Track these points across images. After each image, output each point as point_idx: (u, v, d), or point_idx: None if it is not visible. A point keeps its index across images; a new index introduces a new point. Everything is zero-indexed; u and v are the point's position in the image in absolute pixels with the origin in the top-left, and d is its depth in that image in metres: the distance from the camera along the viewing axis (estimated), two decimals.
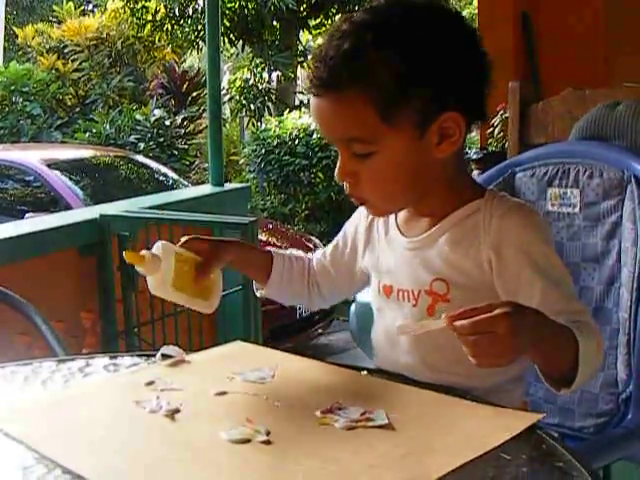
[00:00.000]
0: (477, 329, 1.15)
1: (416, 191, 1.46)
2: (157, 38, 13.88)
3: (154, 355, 1.56)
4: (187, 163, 11.92)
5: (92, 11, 16.80)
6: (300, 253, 1.78)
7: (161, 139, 11.50)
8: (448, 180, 1.47)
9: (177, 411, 1.28)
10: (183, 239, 1.51)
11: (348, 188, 1.45)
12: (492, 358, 1.19)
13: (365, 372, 1.45)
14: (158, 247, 1.45)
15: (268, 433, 1.18)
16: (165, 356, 1.55)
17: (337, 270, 1.70)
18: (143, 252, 1.43)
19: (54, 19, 16.72)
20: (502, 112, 4.03)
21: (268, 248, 1.74)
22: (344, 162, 1.42)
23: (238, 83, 13.27)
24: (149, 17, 13.36)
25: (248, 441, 1.16)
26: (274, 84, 13.54)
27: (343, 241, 1.69)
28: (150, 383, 1.40)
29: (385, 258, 1.57)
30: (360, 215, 1.66)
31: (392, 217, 1.57)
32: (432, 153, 1.40)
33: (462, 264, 1.43)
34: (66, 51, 14.18)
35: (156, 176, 7.87)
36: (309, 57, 12.77)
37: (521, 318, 1.19)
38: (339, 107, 1.37)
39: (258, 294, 1.72)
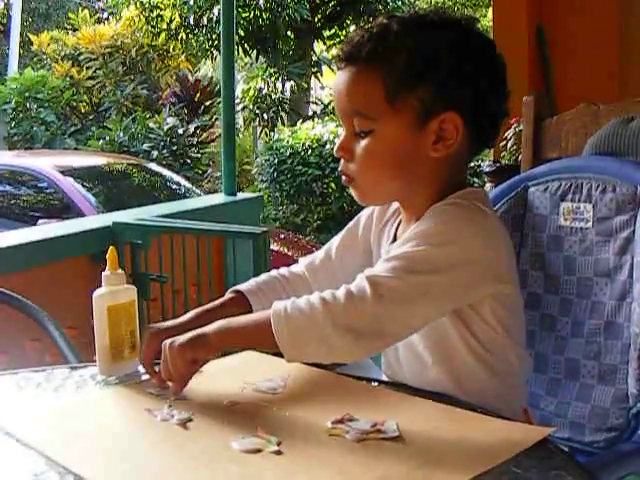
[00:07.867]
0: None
1: (402, 184, 1.48)
2: (171, 47, 13.96)
3: None
4: (200, 172, 11.96)
5: (107, 19, 16.90)
6: (274, 272, 1.73)
7: (174, 147, 11.54)
8: (438, 187, 1.48)
9: (189, 420, 1.28)
10: None
11: (342, 165, 1.51)
12: (171, 374, 1.39)
13: (376, 383, 1.46)
14: None
15: (279, 443, 1.19)
16: None
17: (345, 260, 1.69)
18: None
19: (69, 27, 16.84)
20: (516, 125, 4.02)
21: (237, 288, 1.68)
22: (345, 138, 1.49)
23: (252, 93, 13.33)
24: (164, 26, 13.43)
25: (259, 451, 1.17)
26: (288, 94, 13.59)
27: (356, 225, 1.71)
28: (162, 392, 1.40)
29: None
30: (373, 215, 1.68)
31: (394, 227, 1.60)
32: (426, 150, 1.45)
33: None
34: (81, 58, 14.27)
35: (169, 184, 7.89)
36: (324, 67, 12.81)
37: (186, 342, 1.38)
38: (353, 79, 1.45)
39: None
